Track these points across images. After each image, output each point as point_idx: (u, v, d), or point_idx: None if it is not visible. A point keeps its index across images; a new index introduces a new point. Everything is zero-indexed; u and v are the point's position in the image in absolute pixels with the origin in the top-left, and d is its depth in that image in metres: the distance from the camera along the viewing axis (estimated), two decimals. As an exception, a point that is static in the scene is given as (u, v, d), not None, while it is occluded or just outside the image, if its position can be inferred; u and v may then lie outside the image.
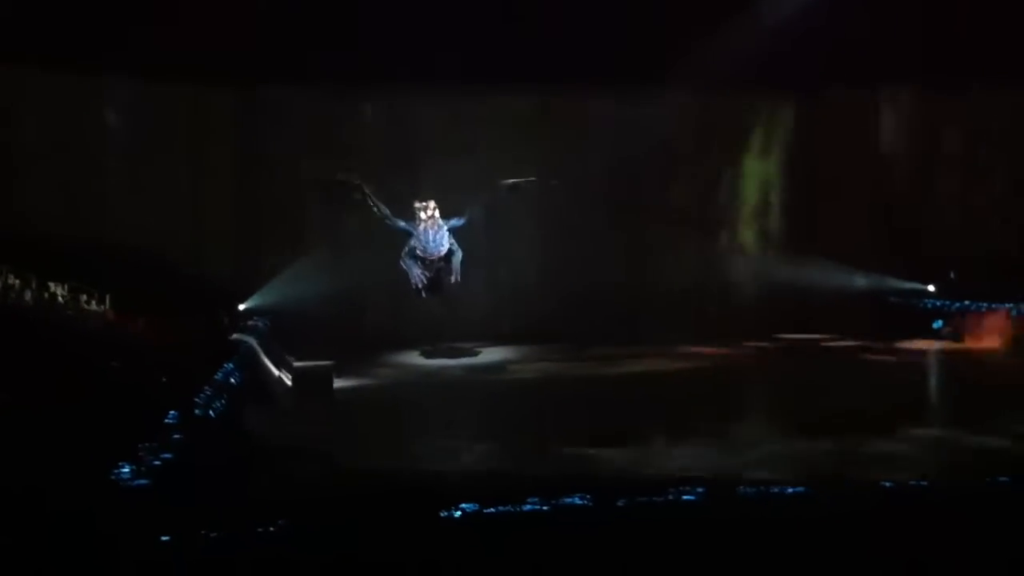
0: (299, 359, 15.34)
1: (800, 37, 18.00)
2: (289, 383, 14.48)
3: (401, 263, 11.96)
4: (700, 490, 6.05)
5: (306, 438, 10.80)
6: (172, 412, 8.48)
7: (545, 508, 5.67)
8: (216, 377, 11.23)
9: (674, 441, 10.60)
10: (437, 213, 11.75)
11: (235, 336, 15.63)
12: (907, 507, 6.18)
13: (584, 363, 17.65)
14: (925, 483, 6.80)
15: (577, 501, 5.74)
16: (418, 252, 11.74)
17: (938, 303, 19.39)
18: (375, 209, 11.91)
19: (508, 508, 5.62)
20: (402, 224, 11.99)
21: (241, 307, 18.49)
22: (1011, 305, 17.52)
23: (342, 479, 8.14)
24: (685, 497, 5.96)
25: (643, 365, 17.10)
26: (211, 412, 9.47)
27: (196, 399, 9.63)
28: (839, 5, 18.26)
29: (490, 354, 18.60)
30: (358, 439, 11.19)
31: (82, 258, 15.47)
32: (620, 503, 5.78)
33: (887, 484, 6.54)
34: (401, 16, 17.70)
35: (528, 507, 5.66)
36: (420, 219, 11.72)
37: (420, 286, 11.82)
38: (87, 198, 18.60)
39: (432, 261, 11.78)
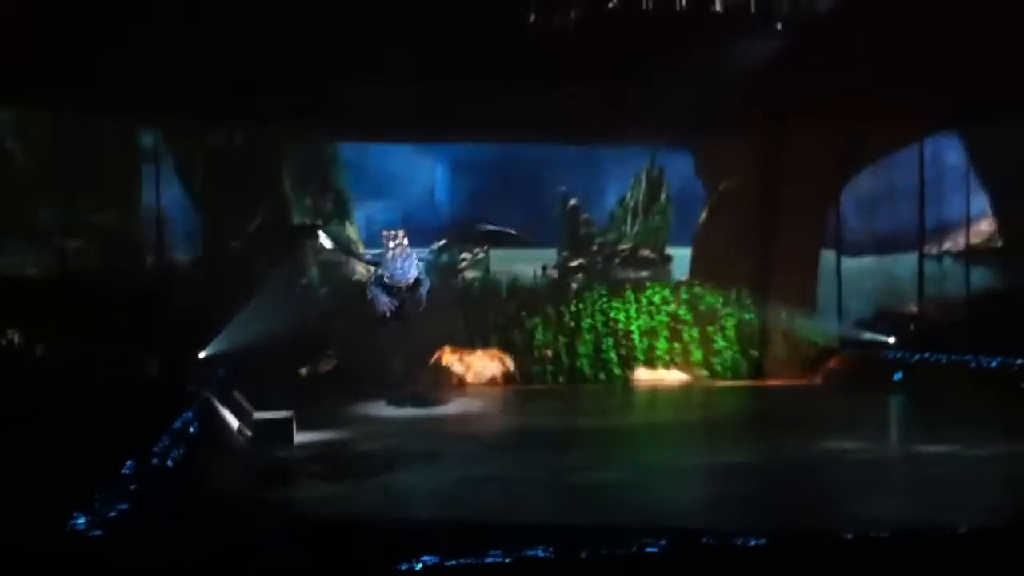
0: (259, 408, 15.18)
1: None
2: (248, 433, 14.32)
3: (368, 292, 11.90)
4: (663, 542, 6.04)
5: (265, 489, 10.66)
6: (128, 462, 8.36)
7: (507, 560, 5.62)
8: (174, 426, 11.08)
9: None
10: (406, 241, 11.70)
11: (193, 385, 15.45)
12: (868, 559, 6.20)
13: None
14: (886, 534, 6.82)
15: (540, 553, 5.70)
16: (385, 280, 11.67)
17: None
18: (338, 248, 11.91)
19: (470, 560, 5.57)
20: (369, 256, 11.94)
21: (200, 355, 18.27)
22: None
23: (301, 530, 8.04)
24: (647, 549, 5.94)
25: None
26: (168, 462, 9.34)
27: (153, 449, 9.49)
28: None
29: (455, 404, 18.47)
30: (318, 489, 11.07)
31: (36, 303, 15.29)
32: (583, 555, 5.75)
33: (848, 536, 6.56)
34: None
35: (490, 559, 5.61)
36: (388, 247, 11.68)
37: (387, 314, 11.76)
38: (38, 241, 18.33)
39: (399, 289, 11.72)
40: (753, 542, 6.19)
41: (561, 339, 21.24)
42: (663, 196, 22.86)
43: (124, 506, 6.79)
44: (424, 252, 12.07)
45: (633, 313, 21.56)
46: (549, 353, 21.15)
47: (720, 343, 21.62)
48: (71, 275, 18.13)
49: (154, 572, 5.01)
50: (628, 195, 23.49)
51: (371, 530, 8.08)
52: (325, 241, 11.60)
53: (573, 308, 21.58)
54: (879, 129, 19.88)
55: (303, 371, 19.61)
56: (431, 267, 11.90)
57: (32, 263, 18.04)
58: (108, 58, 15.30)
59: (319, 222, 11.85)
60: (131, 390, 13.05)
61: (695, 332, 21.64)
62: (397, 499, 10.69)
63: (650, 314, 21.59)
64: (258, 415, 14.64)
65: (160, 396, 13.12)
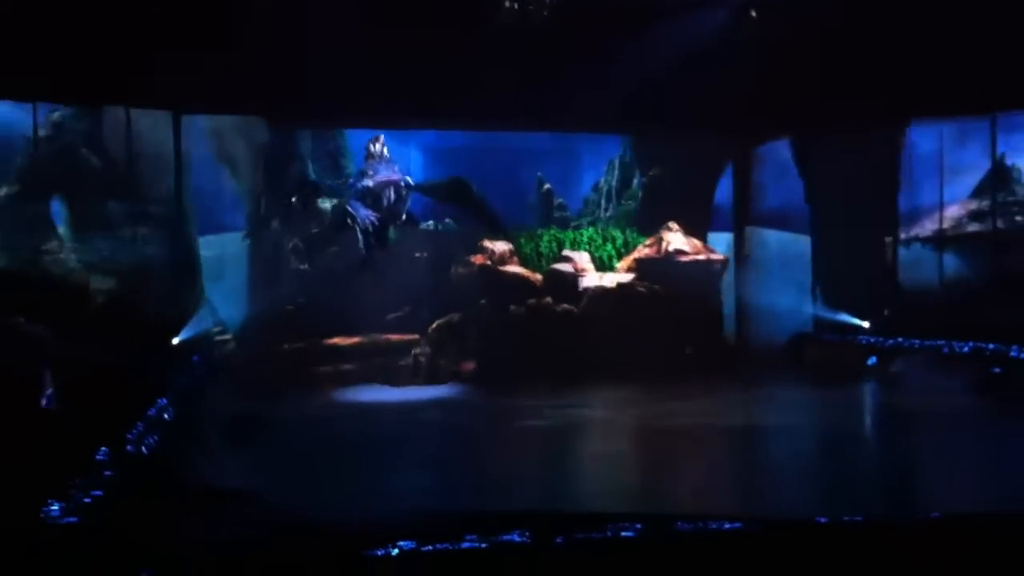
0: (234, 394, 15.13)
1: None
2: (223, 420, 14.27)
3: (348, 207, 11.61)
4: (638, 526, 6.06)
5: (241, 476, 10.63)
6: (103, 449, 8.31)
7: (483, 545, 5.63)
8: (148, 413, 11.03)
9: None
10: (386, 151, 11.40)
11: (168, 371, 15.37)
12: (842, 542, 6.25)
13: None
14: (860, 518, 6.87)
15: (516, 538, 5.72)
16: (370, 185, 11.29)
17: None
18: (320, 186, 11.69)
19: (446, 545, 5.58)
20: (351, 181, 11.65)
21: (175, 341, 18.14)
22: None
23: (276, 518, 8.02)
24: (623, 533, 5.96)
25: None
26: (143, 449, 9.30)
27: (128, 436, 9.45)
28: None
29: (431, 390, 18.26)
30: (294, 477, 11.04)
31: (11, 291, 15.15)
32: (559, 540, 5.77)
33: (822, 520, 6.61)
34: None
35: (466, 544, 5.62)
36: (370, 151, 11.41)
37: (369, 227, 11.41)
38: (16, 230, 18.10)
39: (380, 196, 11.35)
40: (728, 526, 6.23)
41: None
42: (635, 181, 22.86)
43: (98, 493, 6.76)
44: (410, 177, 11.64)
45: None
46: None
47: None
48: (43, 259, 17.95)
49: (128, 560, 4.99)
50: (602, 180, 23.57)
51: (345, 516, 8.06)
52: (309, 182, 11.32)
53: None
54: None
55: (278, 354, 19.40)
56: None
57: None
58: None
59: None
60: (106, 377, 12.93)
61: None
62: (372, 485, 10.68)
63: None
64: (234, 399, 14.60)
65: (136, 383, 13.00)
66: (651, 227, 20.33)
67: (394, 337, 17.93)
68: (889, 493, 10.20)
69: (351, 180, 11.93)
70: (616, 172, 23.39)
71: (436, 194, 12.96)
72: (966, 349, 17.22)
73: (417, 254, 17.75)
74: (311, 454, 12.59)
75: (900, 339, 18.72)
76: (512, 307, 17.59)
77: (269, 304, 18.97)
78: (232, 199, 18.82)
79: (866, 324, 20.02)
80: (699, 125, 19.67)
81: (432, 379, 17.84)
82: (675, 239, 18.81)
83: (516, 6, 17.13)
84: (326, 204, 17.91)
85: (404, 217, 11.76)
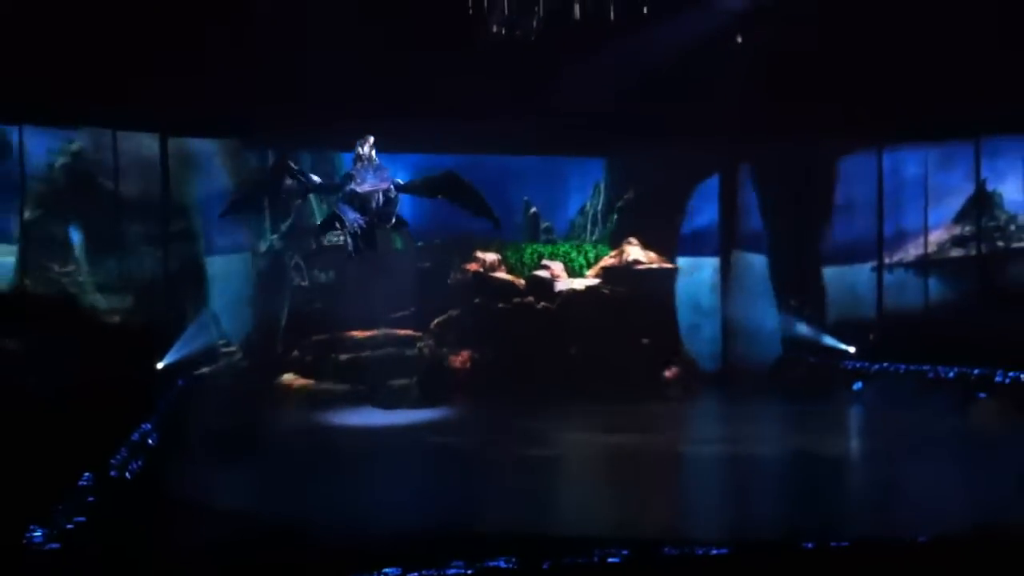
0: (221, 416, 15.06)
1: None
2: (209, 442, 14.18)
3: (336, 210, 11.60)
4: (624, 552, 6.05)
5: (226, 500, 10.56)
6: (86, 474, 8.26)
7: (470, 572, 5.61)
8: (132, 438, 10.97)
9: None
10: (373, 153, 11.33)
11: (153, 394, 15.29)
12: (829, 567, 6.25)
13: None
14: (846, 543, 6.88)
15: (502, 564, 5.70)
16: (357, 190, 11.27)
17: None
18: (306, 180, 11.66)
19: (432, 572, 5.55)
20: (337, 181, 11.65)
21: (160, 365, 18.08)
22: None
23: (262, 541, 7.98)
24: (610, 559, 5.95)
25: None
26: (127, 474, 9.24)
27: (111, 460, 9.39)
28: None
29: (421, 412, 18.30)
30: (280, 499, 10.98)
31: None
32: (545, 566, 5.75)
33: (809, 545, 6.61)
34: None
35: (452, 571, 5.60)
36: (359, 154, 11.35)
37: (357, 231, 11.36)
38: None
39: (368, 203, 11.33)
40: (715, 552, 6.22)
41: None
42: (620, 204, 23.21)
43: (81, 519, 6.71)
44: (399, 177, 11.73)
45: None
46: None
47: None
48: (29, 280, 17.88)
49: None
50: (588, 203, 23.73)
51: (332, 540, 8.01)
52: (297, 174, 11.33)
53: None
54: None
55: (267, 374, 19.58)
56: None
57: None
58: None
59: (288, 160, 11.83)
60: (90, 400, 12.87)
61: None
62: (359, 508, 10.62)
63: None
64: (220, 421, 14.56)
65: (120, 406, 12.94)
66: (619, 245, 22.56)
67: (401, 332, 20.55)
68: (873, 516, 10.23)
69: (339, 182, 11.90)
70: (601, 195, 23.62)
71: (429, 189, 12.93)
72: (951, 374, 17.34)
73: (420, 264, 21.68)
74: (299, 473, 12.56)
75: (886, 364, 18.83)
76: (500, 305, 20.89)
77: (274, 316, 20.74)
78: (234, 219, 19.01)
79: (852, 349, 20.11)
80: (677, 144, 20.46)
81: (433, 375, 19.83)
82: (634, 251, 21.50)
83: (503, 31, 17.40)
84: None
85: (393, 220, 11.76)
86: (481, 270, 21.36)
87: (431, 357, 20.29)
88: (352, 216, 11.53)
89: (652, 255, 21.69)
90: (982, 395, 16.75)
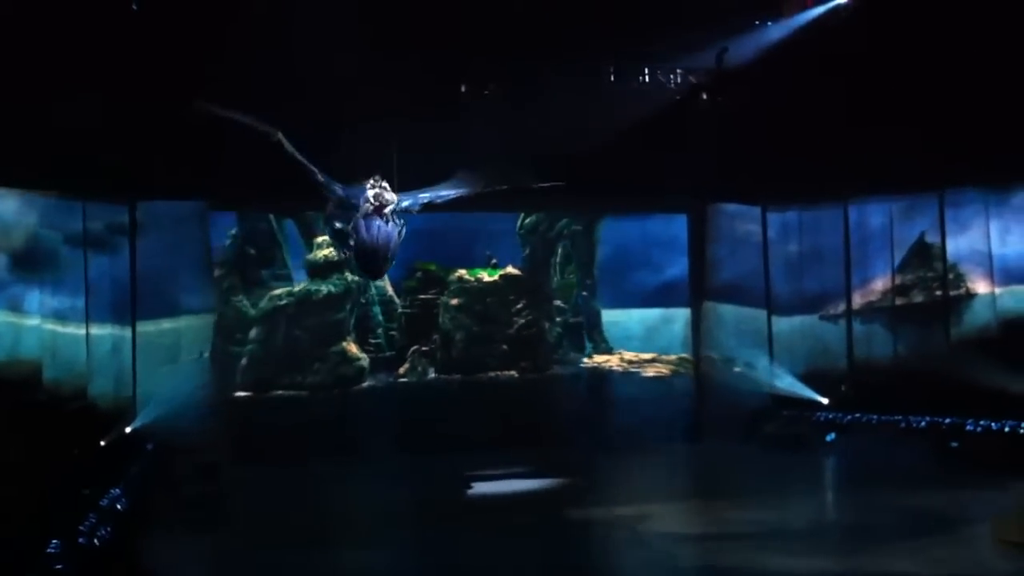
0: (189, 482, 14.87)
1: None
2: (180, 508, 13.99)
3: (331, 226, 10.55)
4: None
5: (196, 566, 10.42)
6: (54, 541, 8.12)
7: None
8: (101, 504, 10.81)
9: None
10: (389, 196, 9.72)
11: (122, 460, 15.08)
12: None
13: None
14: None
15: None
16: (361, 234, 9.76)
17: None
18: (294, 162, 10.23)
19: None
20: (338, 191, 10.18)
21: (128, 429, 17.80)
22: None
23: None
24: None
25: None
26: (95, 541, 9.09)
27: (80, 527, 9.24)
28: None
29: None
30: (253, 564, 10.85)
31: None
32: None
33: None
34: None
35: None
36: (366, 196, 9.81)
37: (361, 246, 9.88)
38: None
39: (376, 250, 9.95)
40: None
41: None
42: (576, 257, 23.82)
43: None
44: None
45: None
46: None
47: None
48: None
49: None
50: (552, 257, 24.04)
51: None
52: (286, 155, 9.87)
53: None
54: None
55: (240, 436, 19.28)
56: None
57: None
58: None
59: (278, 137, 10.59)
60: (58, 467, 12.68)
61: None
62: None
63: None
64: (189, 487, 14.39)
65: (88, 472, 12.76)
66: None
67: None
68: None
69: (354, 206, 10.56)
70: (559, 249, 23.97)
71: None
72: (923, 424, 17.50)
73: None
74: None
75: (858, 414, 18.94)
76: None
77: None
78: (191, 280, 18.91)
79: (825, 400, 20.18)
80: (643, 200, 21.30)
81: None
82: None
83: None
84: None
85: (392, 261, 10.66)
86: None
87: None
88: (363, 235, 10.14)
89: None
90: (954, 444, 16.91)
